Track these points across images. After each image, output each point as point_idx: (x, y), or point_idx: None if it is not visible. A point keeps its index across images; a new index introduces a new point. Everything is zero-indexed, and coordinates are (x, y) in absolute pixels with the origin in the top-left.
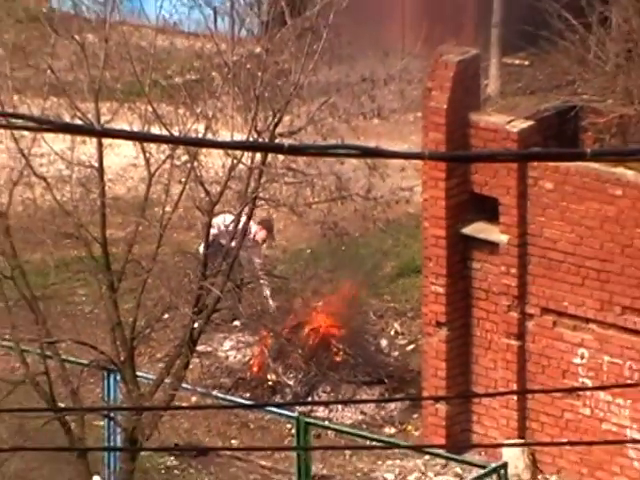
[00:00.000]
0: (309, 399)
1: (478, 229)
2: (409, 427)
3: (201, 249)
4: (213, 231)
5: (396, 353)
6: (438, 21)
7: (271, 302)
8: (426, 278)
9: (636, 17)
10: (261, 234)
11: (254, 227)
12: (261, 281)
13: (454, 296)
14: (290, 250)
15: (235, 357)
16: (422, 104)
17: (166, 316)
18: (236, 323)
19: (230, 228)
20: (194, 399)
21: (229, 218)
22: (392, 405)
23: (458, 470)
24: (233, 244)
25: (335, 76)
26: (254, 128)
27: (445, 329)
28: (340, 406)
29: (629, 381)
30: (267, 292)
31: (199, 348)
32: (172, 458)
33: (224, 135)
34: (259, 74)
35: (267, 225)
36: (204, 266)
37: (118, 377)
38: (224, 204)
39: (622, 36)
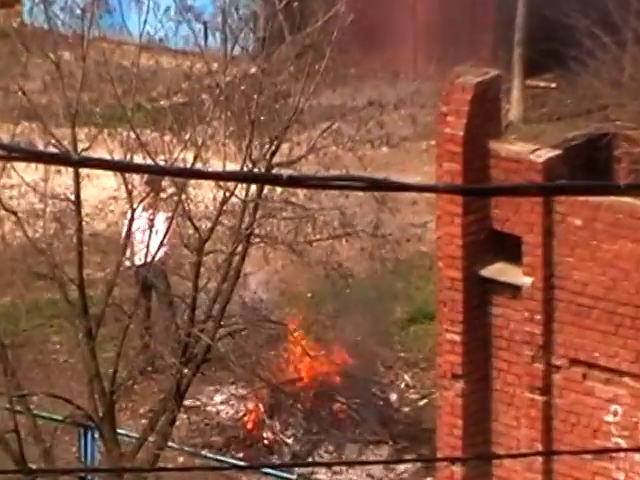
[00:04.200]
0: (310, 459)
1: (498, 270)
2: None
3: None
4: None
5: (407, 408)
6: (453, 40)
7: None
8: (440, 325)
9: None
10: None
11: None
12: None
13: (472, 345)
14: (289, 293)
15: (227, 412)
16: (436, 131)
17: (150, 367)
18: None
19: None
20: (181, 459)
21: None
22: (402, 467)
23: None
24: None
25: (339, 99)
26: (249, 157)
27: (462, 382)
28: (344, 468)
29: None
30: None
31: (186, 402)
32: None
33: (215, 165)
34: (254, 97)
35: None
36: (192, 310)
37: (96, 435)
38: (215, 241)
39: None
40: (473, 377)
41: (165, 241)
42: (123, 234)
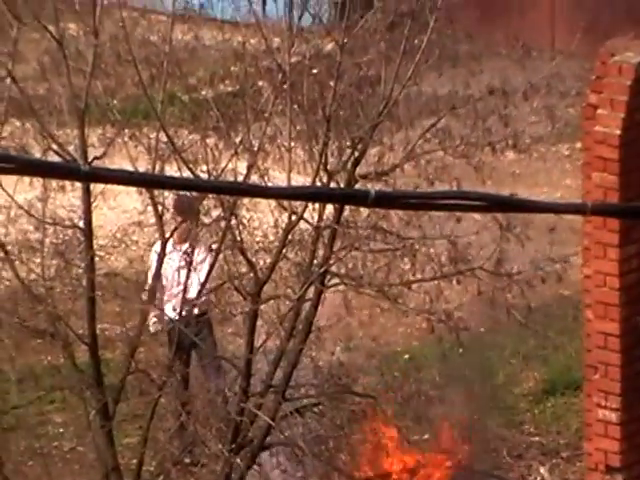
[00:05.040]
0: None
1: None
2: None
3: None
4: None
5: None
6: (604, 4)
7: (152, 327)
8: (590, 398)
9: None
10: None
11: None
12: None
13: (634, 426)
14: (379, 354)
15: None
16: (582, 129)
17: (188, 457)
18: None
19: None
20: None
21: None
22: None
23: None
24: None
25: (447, 86)
26: (323, 166)
27: (620, 477)
28: None
29: None
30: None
31: None
32: None
33: (277, 178)
34: (331, 83)
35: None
36: (247, 378)
37: None
38: (277, 283)
39: None
40: (637, 471)
41: (208, 283)
42: (151, 274)
